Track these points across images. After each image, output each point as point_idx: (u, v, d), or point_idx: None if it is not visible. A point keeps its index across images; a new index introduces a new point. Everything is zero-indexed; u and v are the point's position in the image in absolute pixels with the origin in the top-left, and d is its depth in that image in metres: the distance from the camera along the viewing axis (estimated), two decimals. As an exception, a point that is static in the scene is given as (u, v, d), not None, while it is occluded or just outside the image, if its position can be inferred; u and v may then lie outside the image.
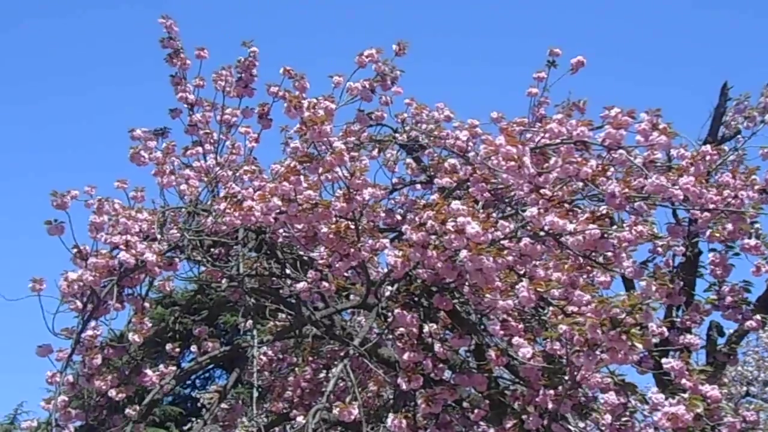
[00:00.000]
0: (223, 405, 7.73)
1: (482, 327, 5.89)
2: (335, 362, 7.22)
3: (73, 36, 43.65)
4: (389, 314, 5.79)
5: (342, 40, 45.72)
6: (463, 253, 4.68)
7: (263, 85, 6.81)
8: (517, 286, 4.92)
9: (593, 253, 5.15)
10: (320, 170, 5.24)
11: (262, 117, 6.85)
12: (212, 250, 6.41)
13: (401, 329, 5.70)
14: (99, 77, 44.15)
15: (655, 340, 5.52)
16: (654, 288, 4.99)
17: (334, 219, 5.49)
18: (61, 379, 5.63)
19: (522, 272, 5.29)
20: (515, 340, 5.19)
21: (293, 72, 6.14)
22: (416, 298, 5.67)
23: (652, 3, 42.46)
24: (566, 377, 5.21)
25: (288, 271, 6.45)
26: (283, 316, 6.76)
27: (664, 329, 5.60)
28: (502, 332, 5.43)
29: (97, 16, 44.36)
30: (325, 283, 6.08)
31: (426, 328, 5.72)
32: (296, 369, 7.71)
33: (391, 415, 5.27)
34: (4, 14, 40.21)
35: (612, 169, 5.38)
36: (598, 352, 4.31)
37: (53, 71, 43.73)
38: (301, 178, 5.31)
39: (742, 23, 42.89)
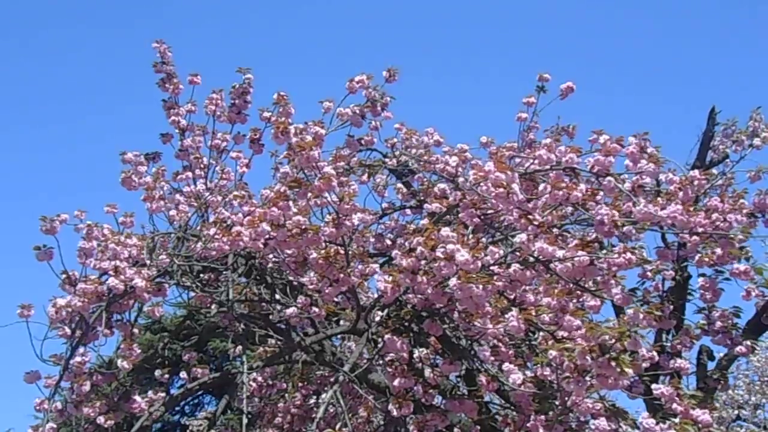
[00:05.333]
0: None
1: (472, 352, 5.88)
2: (325, 388, 7.20)
3: (63, 59, 43.67)
4: (379, 340, 5.78)
5: (334, 62, 45.87)
6: (453, 281, 4.68)
7: (255, 110, 6.84)
8: (506, 315, 4.92)
9: (582, 279, 5.16)
10: (309, 195, 5.24)
11: (254, 142, 6.85)
12: (202, 275, 6.39)
13: (391, 355, 5.69)
14: (89, 101, 44.14)
15: (645, 365, 5.52)
16: (641, 316, 4.98)
17: (323, 244, 5.48)
18: (50, 406, 5.58)
19: (512, 297, 5.29)
20: (505, 366, 5.19)
21: (285, 97, 6.15)
22: (406, 324, 5.66)
23: (641, 24, 42.79)
24: (557, 403, 5.20)
25: (278, 297, 6.43)
26: (273, 341, 6.74)
27: (655, 354, 5.60)
28: (492, 358, 5.42)
29: (90, 40, 44.44)
30: (315, 309, 6.06)
31: (416, 354, 5.71)
32: (286, 395, 7.68)
33: (381, 441, 5.25)
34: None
35: (601, 194, 5.40)
36: (587, 378, 4.30)
37: (43, 94, 43.74)
38: (290, 203, 5.31)
39: (731, 46, 43.27)
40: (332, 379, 6.27)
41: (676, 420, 4.74)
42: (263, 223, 5.30)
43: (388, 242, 7.38)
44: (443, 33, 46.38)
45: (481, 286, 4.66)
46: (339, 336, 7.18)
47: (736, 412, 12.96)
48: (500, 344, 5.39)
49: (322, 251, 5.48)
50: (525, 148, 6.95)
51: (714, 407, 5.66)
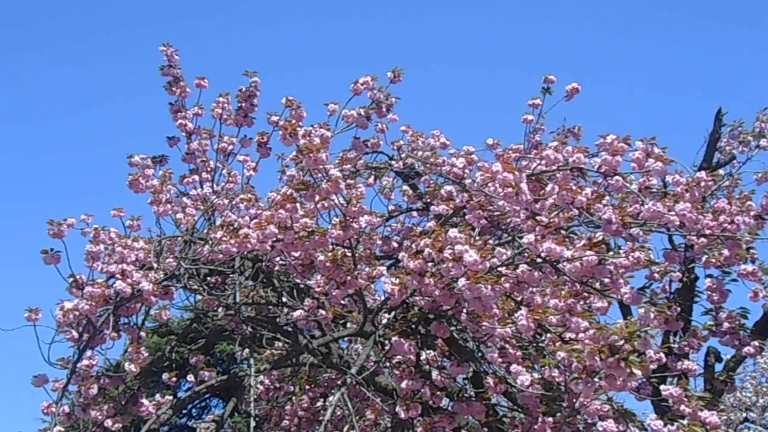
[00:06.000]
0: (219, 434, 7.67)
1: (480, 354, 5.87)
2: (332, 391, 7.19)
3: (72, 60, 43.77)
4: (386, 342, 5.78)
5: (340, 67, 45.90)
6: (462, 281, 4.67)
7: (261, 114, 6.86)
8: (516, 315, 4.91)
9: (590, 280, 5.15)
10: (316, 198, 5.25)
11: (261, 146, 6.87)
12: (208, 278, 6.40)
13: (399, 357, 5.68)
14: (96, 104, 44.24)
15: (652, 367, 5.50)
16: (652, 315, 4.98)
17: (330, 246, 5.48)
18: (57, 409, 5.59)
19: (519, 299, 5.29)
20: (513, 367, 5.17)
21: (294, 101, 6.16)
22: (413, 326, 5.66)
23: (646, 29, 42.78)
24: (565, 405, 5.19)
25: (285, 300, 6.43)
26: (280, 344, 6.75)
27: (662, 355, 5.58)
28: (500, 360, 5.42)
29: (97, 42, 44.54)
30: (321, 311, 6.06)
31: (423, 356, 5.71)
32: (293, 398, 7.67)
33: (389, 444, 5.25)
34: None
35: (607, 195, 5.39)
36: (596, 380, 4.29)
37: (50, 98, 43.83)
38: (298, 205, 5.32)
39: (736, 48, 43.22)
40: (339, 382, 6.26)
41: (684, 422, 4.73)
42: (270, 225, 5.31)
43: (395, 245, 7.38)
44: (448, 36, 46.40)
45: (489, 286, 4.66)
46: (346, 338, 7.18)
47: (743, 414, 12.94)
48: (507, 346, 5.38)
49: (329, 254, 5.48)
50: (531, 150, 6.94)
51: (721, 409, 5.65)
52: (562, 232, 5.15)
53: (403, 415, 5.30)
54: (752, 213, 5.52)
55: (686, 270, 6.33)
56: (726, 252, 5.52)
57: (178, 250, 6.20)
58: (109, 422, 5.70)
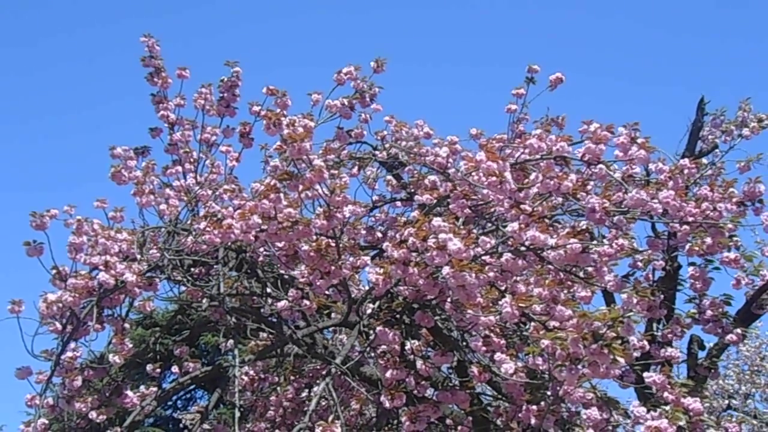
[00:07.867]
0: (204, 426, 7.67)
1: (464, 343, 5.89)
2: (317, 381, 7.20)
3: (54, 51, 43.49)
4: (371, 332, 5.78)
5: (322, 53, 45.76)
6: (446, 270, 4.68)
7: (244, 104, 6.84)
8: (501, 302, 4.92)
9: (574, 268, 5.17)
10: (300, 188, 5.24)
11: (244, 136, 6.85)
12: (192, 269, 6.38)
13: (383, 347, 5.69)
14: (78, 96, 43.98)
15: (636, 354, 5.53)
16: (635, 301, 5.00)
17: (314, 237, 5.47)
18: (41, 401, 5.56)
19: (503, 288, 5.30)
20: (497, 356, 5.19)
21: (275, 90, 6.14)
22: (398, 316, 5.66)
23: (628, 21, 42.87)
24: (549, 393, 5.21)
25: (269, 290, 6.43)
26: (265, 335, 6.73)
27: (645, 343, 5.62)
28: (484, 348, 5.43)
29: (79, 33, 44.25)
30: (306, 302, 6.06)
31: (408, 346, 5.71)
32: (278, 388, 7.68)
33: (374, 433, 5.25)
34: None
35: (591, 183, 5.41)
36: (580, 367, 4.30)
37: (31, 89, 43.53)
38: (281, 195, 5.30)
39: (718, 40, 43.38)
40: (324, 372, 6.26)
41: (667, 408, 4.76)
42: (254, 215, 5.30)
43: (379, 235, 7.38)
44: (430, 25, 46.36)
45: (474, 274, 4.66)
46: (330, 329, 7.18)
47: (726, 401, 13.00)
48: (492, 335, 5.39)
49: (313, 244, 5.47)
50: (515, 139, 6.95)
51: (704, 396, 5.69)
52: (546, 220, 5.16)
53: (387, 405, 5.31)
54: (735, 200, 5.56)
55: (669, 258, 6.36)
56: (709, 240, 5.54)
57: (162, 241, 6.18)
58: (93, 414, 5.68)
